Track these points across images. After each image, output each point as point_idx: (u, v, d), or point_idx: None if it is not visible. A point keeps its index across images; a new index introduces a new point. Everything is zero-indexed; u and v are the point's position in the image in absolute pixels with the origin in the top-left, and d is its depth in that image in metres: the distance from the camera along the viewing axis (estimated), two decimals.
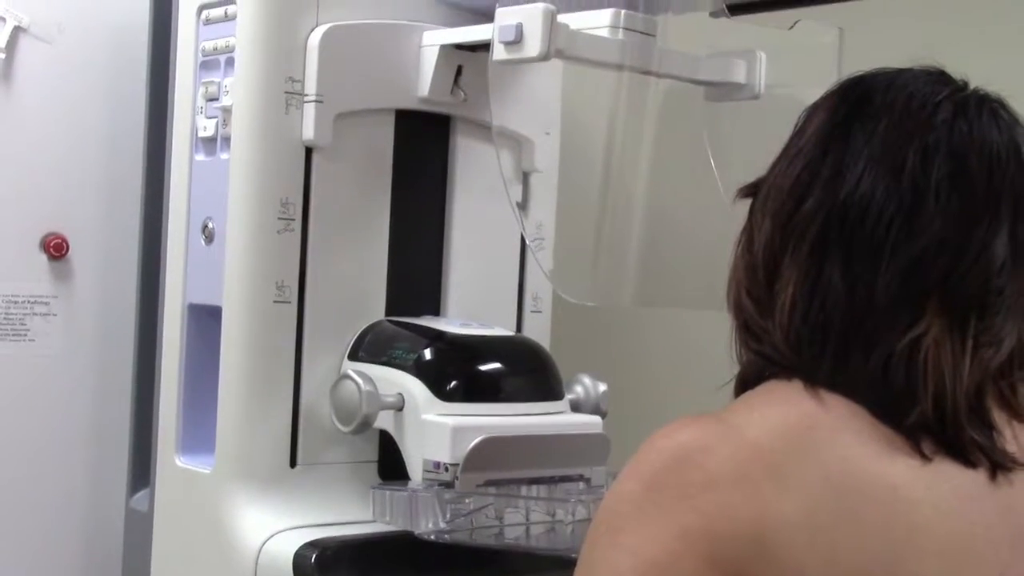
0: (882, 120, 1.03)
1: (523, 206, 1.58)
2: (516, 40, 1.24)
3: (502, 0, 1.28)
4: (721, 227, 1.15)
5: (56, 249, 1.66)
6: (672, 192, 1.36)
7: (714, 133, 1.41)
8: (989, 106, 1.05)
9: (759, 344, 1.05)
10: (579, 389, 1.51)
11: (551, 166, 1.61)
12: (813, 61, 1.35)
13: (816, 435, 0.95)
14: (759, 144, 1.15)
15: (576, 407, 1.49)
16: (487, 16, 1.44)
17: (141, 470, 1.62)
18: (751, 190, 1.11)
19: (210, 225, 1.47)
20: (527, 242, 1.54)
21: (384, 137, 1.49)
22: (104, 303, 1.69)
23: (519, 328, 1.62)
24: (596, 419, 1.47)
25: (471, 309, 1.57)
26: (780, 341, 1.03)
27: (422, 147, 1.53)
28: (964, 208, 1.00)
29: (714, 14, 1.34)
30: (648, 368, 2.01)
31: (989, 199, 1.01)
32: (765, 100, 1.41)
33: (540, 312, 1.63)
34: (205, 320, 1.49)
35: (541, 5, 1.23)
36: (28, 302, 1.67)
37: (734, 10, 1.33)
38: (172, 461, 1.52)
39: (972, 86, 1.07)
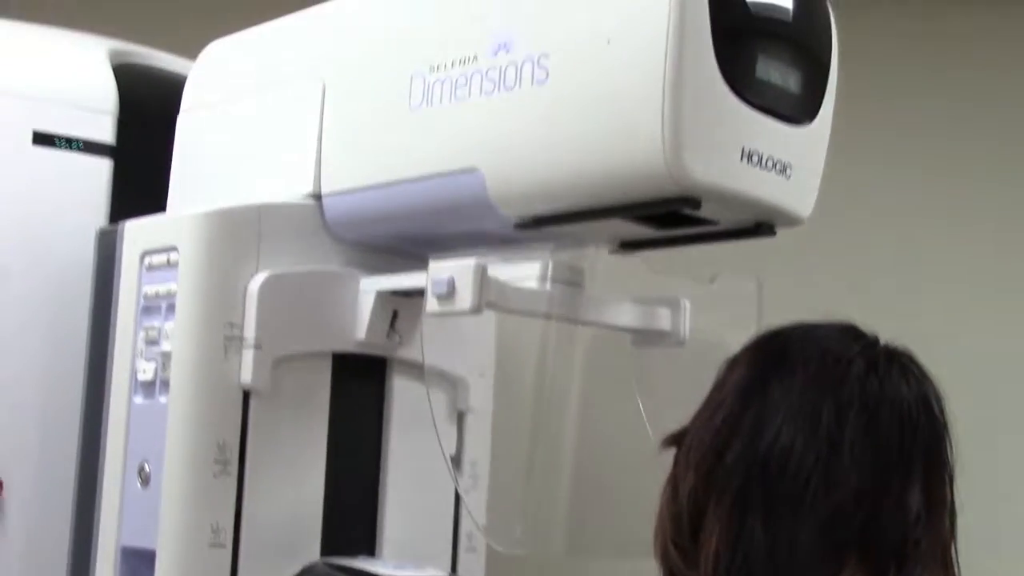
0: (798, 375, 1.08)
1: (457, 455, 1.60)
2: (448, 294, 1.29)
3: (434, 254, 1.34)
4: (650, 474, 1.17)
5: None
6: (601, 439, 1.40)
7: (642, 379, 1.46)
8: (899, 361, 1.10)
9: None
10: None
11: (485, 406, 1.65)
12: (735, 310, 1.41)
13: None
14: (686, 390, 1.19)
15: None
16: (423, 260, 1.50)
17: None
18: (675, 440, 1.15)
19: (146, 468, 1.48)
20: (460, 495, 1.56)
21: (321, 379, 1.52)
22: (37, 544, 1.67)
23: (454, 567, 1.63)
24: None
25: (406, 548, 1.57)
26: None
27: (359, 388, 1.56)
28: (878, 462, 1.04)
29: (613, 252, 1.40)
30: None
31: (901, 453, 1.05)
32: (690, 347, 1.46)
33: (475, 551, 1.64)
34: (138, 564, 1.47)
35: (472, 261, 1.28)
36: None
37: (626, 247, 1.40)
38: None
39: (883, 341, 1.12)
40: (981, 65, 2.32)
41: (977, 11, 2.29)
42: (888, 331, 1.12)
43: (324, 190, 1.50)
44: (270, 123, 1.59)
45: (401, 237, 1.51)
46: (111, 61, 1.82)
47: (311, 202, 1.51)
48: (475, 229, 1.40)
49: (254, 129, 1.61)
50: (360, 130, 1.47)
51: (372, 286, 1.50)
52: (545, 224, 1.31)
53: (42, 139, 1.73)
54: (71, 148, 1.74)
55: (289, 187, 1.52)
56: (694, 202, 1.21)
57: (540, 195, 1.30)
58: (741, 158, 1.22)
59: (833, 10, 1.32)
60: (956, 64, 2.32)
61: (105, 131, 1.77)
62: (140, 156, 1.73)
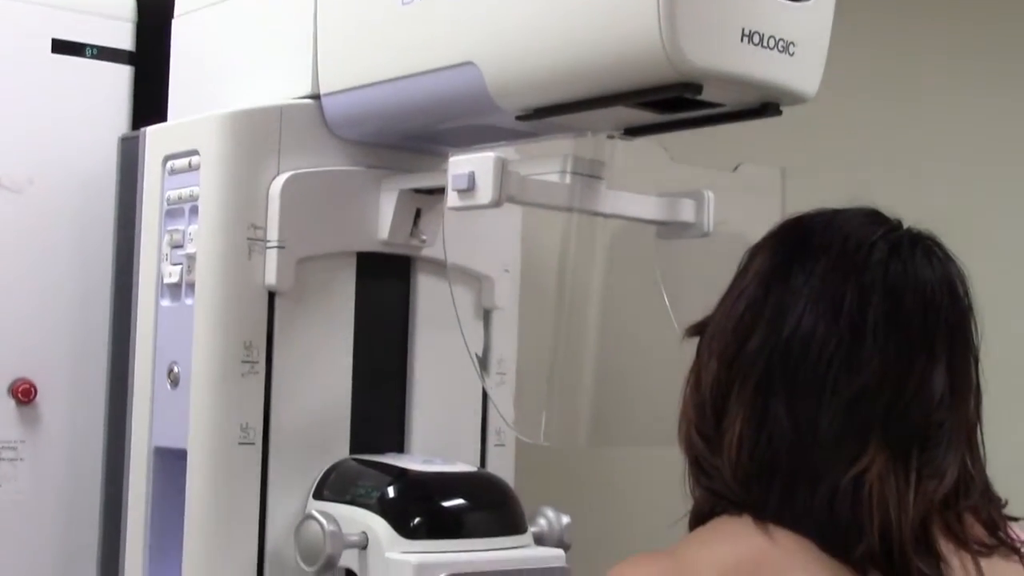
0: (820, 261, 1.07)
1: (484, 352, 1.61)
2: (469, 188, 1.29)
3: (454, 149, 1.33)
4: (674, 364, 1.17)
5: (24, 394, 1.68)
6: (626, 330, 1.40)
7: (666, 271, 1.45)
8: (923, 244, 1.09)
9: (709, 480, 1.08)
10: (542, 522, 1.52)
11: (511, 303, 1.65)
12: (758, 200, 1.40)
13: (765, 572, 0.97)
14: (711, 280, 1.19)
15: (540, 540, 1.50)
16: (445, 157, 1.49)
17: None
18: (698, 329, 1.15)
19: (175, 369, 1.49)
20: (487, 392, 1.57)
21: (346, 279, 1.53)
22: (71, 447, 1.70)
23: (483, 462, 1.64)
24: (559, 552, 1.48)
25: (435, 445, 1.59)
26: (729, 477, 1.05)
27: (384, 287, 1.57)
28: (901, 345, 1.03)
29: (610, 136, 1.38)
30: (611, 500, 2.03)
31: (925, 335, 1.05)
32: (715, 238, 1.45)
33: (503, 446, 1.66)
34: (171, 463, 1.50)
35: (492, 155, 1.27)
36: None
37: (631, 132, 1.38)
38: None
39: (906, 225, 1.11)
40: None
41: None
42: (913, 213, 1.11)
43: (323, 90, 1.48)
44: (264, 24, 1.56)
45: (404, 134, 1.50)
46: None
47: (310, 102, 1.49)
48: (477, 123, 1.38)
49: (248, 31, 1.59)
50: (354, 27, 1.45)
51: (394, 184, 1.49)
52: (546, 115, 1.29)
53: (61, 47, 1.72)
54: (90, 55, 1.74)
55: (286, 88, 1.51)
56: (695, 87, 1.18)
57: (538, 86, 1.28)
58: (741, 39, 1.18)
59: None
60: None
61: (124, 38, 1.76)
62: (160, 62, 1.72)
